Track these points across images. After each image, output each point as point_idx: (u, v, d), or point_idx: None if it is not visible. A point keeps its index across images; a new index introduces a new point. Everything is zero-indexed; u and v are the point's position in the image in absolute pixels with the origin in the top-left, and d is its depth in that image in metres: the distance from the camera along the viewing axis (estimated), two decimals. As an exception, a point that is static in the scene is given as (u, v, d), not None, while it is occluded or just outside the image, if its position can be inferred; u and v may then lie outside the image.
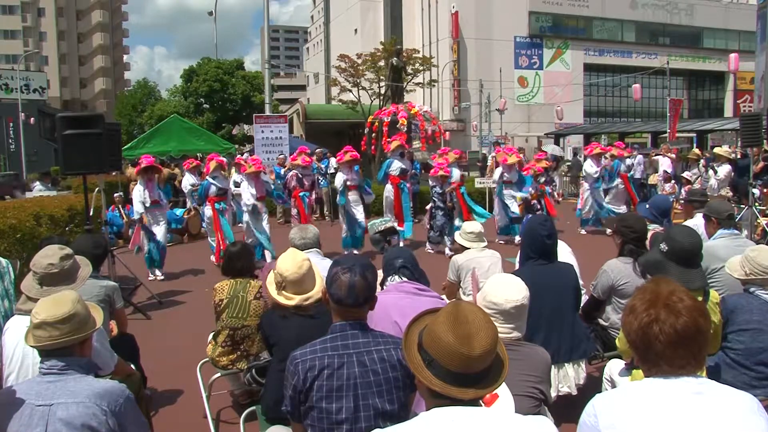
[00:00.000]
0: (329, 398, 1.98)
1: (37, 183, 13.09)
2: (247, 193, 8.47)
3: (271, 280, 2.95)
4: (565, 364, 3.38)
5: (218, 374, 3.75)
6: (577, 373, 3.43)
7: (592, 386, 3.35)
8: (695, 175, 11.18)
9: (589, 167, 11.13)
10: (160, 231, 8.06)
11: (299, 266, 2.83)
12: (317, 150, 15.38)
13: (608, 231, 10.32)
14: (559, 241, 3.93)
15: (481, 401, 1.55)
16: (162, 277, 8.09)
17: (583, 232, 11.09)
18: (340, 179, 9.10)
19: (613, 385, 3.13)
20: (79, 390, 1.98)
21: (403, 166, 9.78)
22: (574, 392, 3.38)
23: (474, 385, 1.49)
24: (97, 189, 6.91)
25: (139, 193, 7.98)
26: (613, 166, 11.34)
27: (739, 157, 11.87)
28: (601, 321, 3.85)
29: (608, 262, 3.75)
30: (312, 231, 4.16)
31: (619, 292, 3.66)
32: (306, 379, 2.00)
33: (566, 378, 3.39)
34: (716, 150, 11.32)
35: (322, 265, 3.27)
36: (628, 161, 11.97)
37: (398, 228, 8.36)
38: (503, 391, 1.99)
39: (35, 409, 1.92)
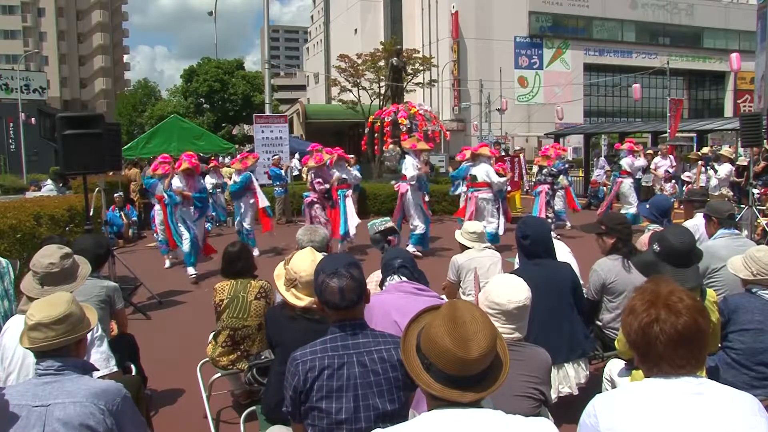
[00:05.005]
0: (329, 398, 1.98)
1: (49, 182, 12.81)
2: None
3: (278, 273, 2.84)
4: (565, 365, 3.37)
5: (218, 374, 3.74)
6: (578, 373, 3.42)
7: (592, 386, 3.34)
8: (695, 175, 11.16)
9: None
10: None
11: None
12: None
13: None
14: (557, 241, 3.94)
15: (482, 402, 1.54)
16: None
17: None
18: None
19: (613, 386, 3.12)
20: (77, 390, 1.97)
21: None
22: (575, 392, 3.36)
23: (473, 387, 1.49)
24: (97, 189, 6.91)
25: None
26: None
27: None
28: (597, 322, 3.85)
29: (598, 262, 3.77)
30: (321, 233, 3.91)
31: (609, 290, 3.67)
32: (306, 379, 1.99)
33: (567, 378, 3.37)
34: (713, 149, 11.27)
35: None
36: (639, 162, 11.57)
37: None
38: None
39: (32, 411, 1.91)
